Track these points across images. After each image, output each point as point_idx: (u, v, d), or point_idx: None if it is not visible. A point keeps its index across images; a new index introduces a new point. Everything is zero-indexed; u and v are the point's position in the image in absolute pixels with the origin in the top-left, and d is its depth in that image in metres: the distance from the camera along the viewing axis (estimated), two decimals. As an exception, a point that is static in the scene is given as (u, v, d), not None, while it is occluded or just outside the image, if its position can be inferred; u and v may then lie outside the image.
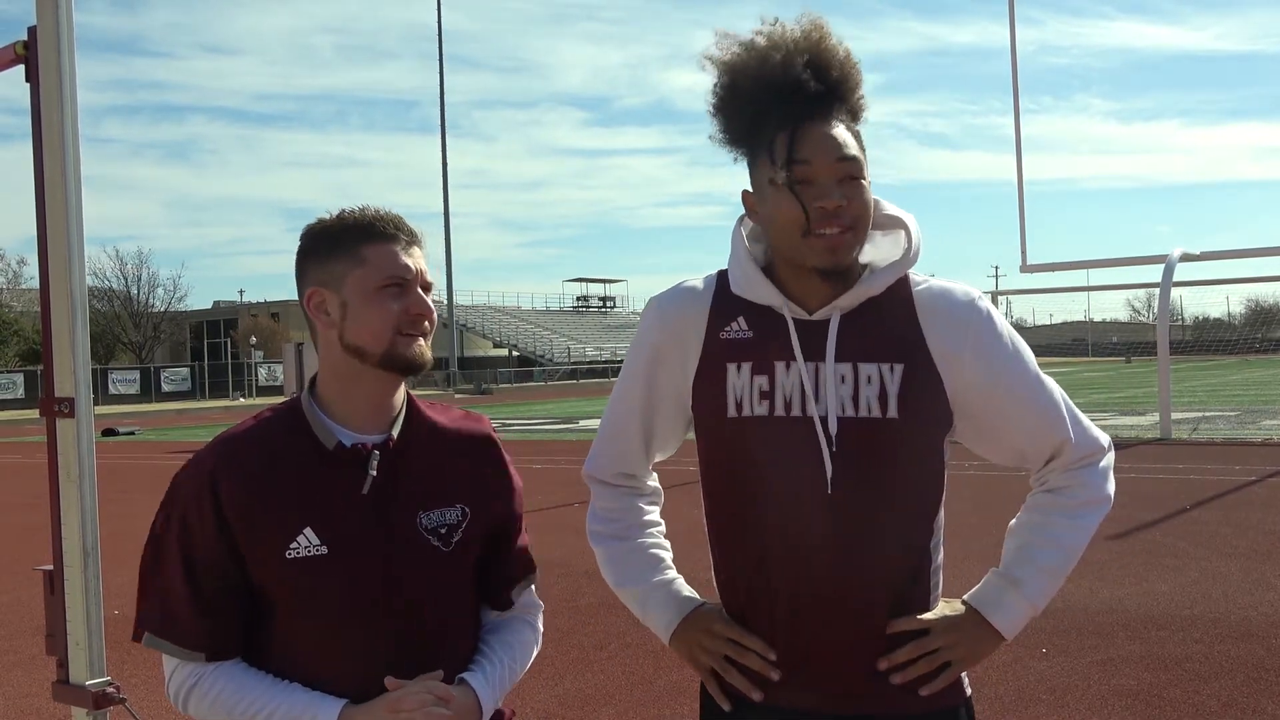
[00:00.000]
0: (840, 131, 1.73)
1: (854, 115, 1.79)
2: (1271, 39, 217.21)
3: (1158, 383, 18.14)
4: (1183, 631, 5.88)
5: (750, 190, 1.82)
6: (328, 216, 1.82)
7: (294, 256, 1.83)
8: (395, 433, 1.83)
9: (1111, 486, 1.88)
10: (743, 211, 1.88)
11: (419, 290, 1.79)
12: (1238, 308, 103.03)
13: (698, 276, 1.91)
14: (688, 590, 1.93)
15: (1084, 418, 1.87)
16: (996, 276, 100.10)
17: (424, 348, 1.80)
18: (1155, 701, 4.81)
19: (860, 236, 1.75)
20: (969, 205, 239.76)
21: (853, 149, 1.73)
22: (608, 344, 76.92)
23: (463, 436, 1.91)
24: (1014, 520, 1.90)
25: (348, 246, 1.77)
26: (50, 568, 2.55)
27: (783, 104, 1.73)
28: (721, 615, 1.86)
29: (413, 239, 1.80)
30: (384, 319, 1.75)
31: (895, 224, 1.84)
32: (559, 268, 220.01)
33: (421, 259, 1.81)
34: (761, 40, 1.77)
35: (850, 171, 1.72)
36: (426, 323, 1.79)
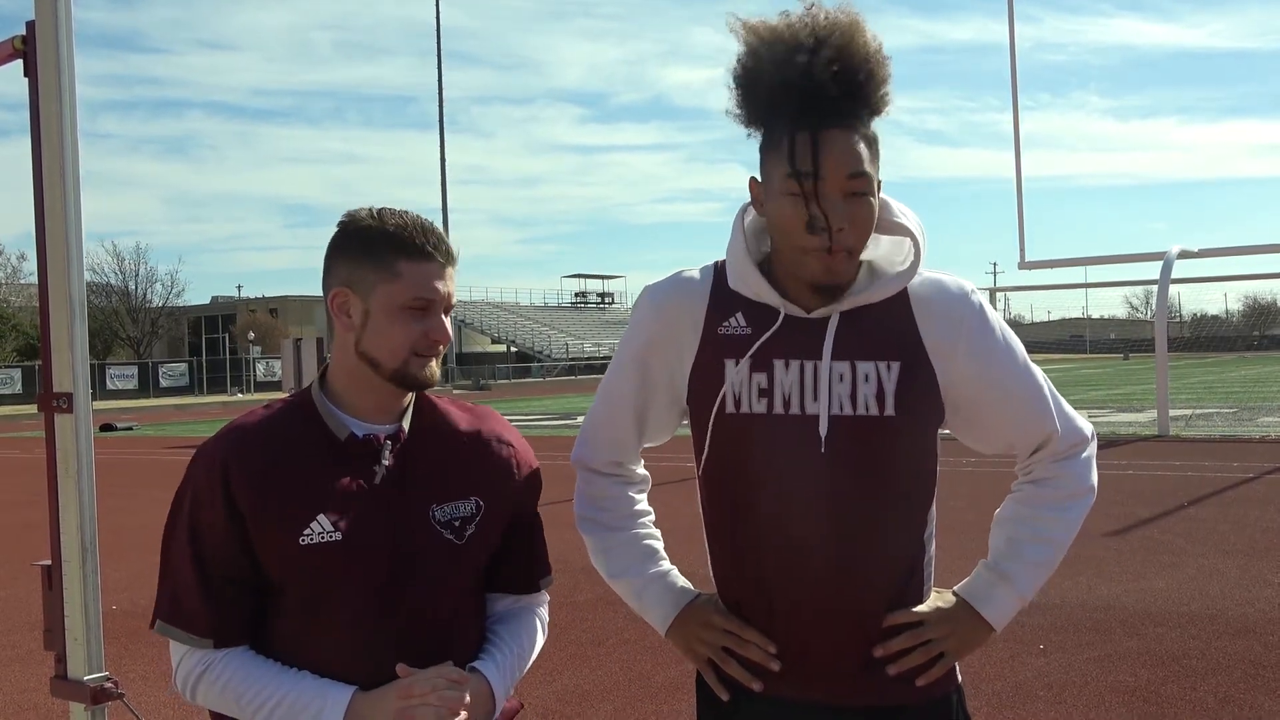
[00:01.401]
0: (857, 143, 1.69)
1: (874, 110, 1.74)
2: (1268, 36, 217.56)
3: (1155, 379, 18.14)
4: (1180, 628, 5.88)
5: (758, 180, 1.79)
6: (369, 216, 1.79)
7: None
8: (406, 425, 1.84)
9: (1095, 477, 1.90)
10: (745, 201, 1.85)
11: (441, 314, 1.79)
12: (1236, 305, 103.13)
13: (694, 267, 1.89)
14: (683, 581, 1.93)
15: (1069, 408, 1.89)
16: (995, 273, 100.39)
17: (434, 369, 1.81)
18: (1153, 698, 4.81)
19: (858, 254, 1.75)
20: (967, 202, 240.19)
21: (865, 163, 1.69)
22: (606, 340, 76.84)
23: (473, 428, 1.92)
24: (1000, 510, 1.91)
25: (383, 256, 1.76)
26: (48, 563, 2.55)
27: (802, 103, 1.69)
28: (719, 607, 1.86)
29: (449, 259, 1.80)
30: (403, 339, 1.76)
31: (901, 230, 1.83)
32: (557, 264, 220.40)
33: (452, 281, 1.81)
34: (788, 29, 1.71)
35: (859, 188, 1.69)
36: (442, 346, 1.80)
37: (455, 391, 47.70)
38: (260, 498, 1.73)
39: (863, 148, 1.70)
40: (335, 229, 1.81)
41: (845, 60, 1.69)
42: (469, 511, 1.85)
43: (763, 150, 1.77)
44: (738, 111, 1.79)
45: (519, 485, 1.94)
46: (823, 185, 1.68)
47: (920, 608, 1.81)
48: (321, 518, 1.74)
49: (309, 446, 1.78)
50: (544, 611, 2.04)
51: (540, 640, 2.01)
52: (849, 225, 1.69)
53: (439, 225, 1.82)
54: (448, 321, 1.81)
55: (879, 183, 1.76)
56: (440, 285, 1.78)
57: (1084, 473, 1.88)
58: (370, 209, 1.80)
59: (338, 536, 1.74)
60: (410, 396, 1.87)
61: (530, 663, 1.97)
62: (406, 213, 1.80)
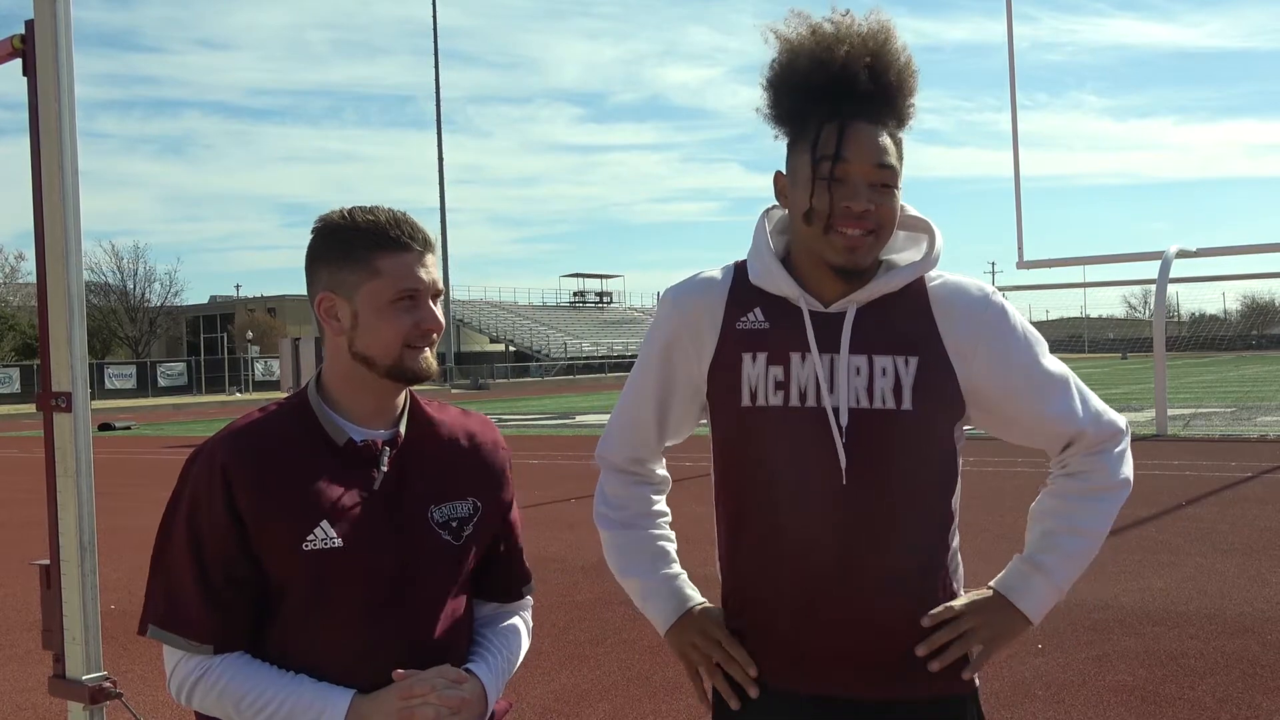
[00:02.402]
0: (884, 138, 1.75)
1: (901, 121, 1.80)
2: (1264, 36, 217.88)
3: (1154, 379, 18.16)
4: (1179, 627, 5.89)
5: (784, 172, 1.84)
6: (340, 217, 1.79)
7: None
8: (402, 429, 1.84)
9: (1130, 469, 1.90)
10: (768, 206, 1.90)
11: (429, 302, 1.79)
12: (1234, 304, 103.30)
13: (715, 267, 1.93)
14: (690, 587, 1.95)
15: (1099, 403, 1.89)
16: (993, 273, 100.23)
17: (430, 359, 1.81)
18: (1151, 697, 4.82)
19: (881, 241, 1.77)
20: (964, 201, 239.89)
21: (891, 158, 1.75)
22: (604, 339, 76.89)
23: (468, 433, 1.93)
24: (1035, 504, 1.92)
25: (361, 255, 1.76)
26: (47, 562, 2.55)
27: (836, 97, 1.75)
28: (717, 619, 1.88)
29: (426, 246, 1.80)
30: (395, 333, 1.76)
31: (918, 226, 1.87)
32: (555, 263, 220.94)
33: (434, 266, 1.81)
34: (829, 28, 1.78)
35: (884, 179, 1.74)
36: (434, 334, 1.80)
37: (454, 391, 47.70)
38: (262, 503, 1.73)
39: (889, 143, 1.75)
40: (310, 236, 1.81)
41: (879, 60, 1.75)
42: (466, 512, 1.86)
43: (791, 145, 1.82)
44: (769, 111, 1.84)
45: (510, 490, 1.97)
46: (846, 169, 1.72)
47: (954, 602, 1.82)
48: (324, 524, 1.74)
49: (309, 452, 1.78)
50: (528, 615, 2.06)
51: (526, 643, 2.03)
52: (873, 208, 1.73)
53: (435, 223, 1.82)
54: (437, 308, 1.81)
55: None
56: (422, 273, 1.78)
57: (1117, 466, 1.88)
58: (341, 210, 1.80)
59: (339, 543, 1.74)
60: (405, 400, 1.87)
61: (518, 665, 1.99)
62: (377, 208, 1.79)
